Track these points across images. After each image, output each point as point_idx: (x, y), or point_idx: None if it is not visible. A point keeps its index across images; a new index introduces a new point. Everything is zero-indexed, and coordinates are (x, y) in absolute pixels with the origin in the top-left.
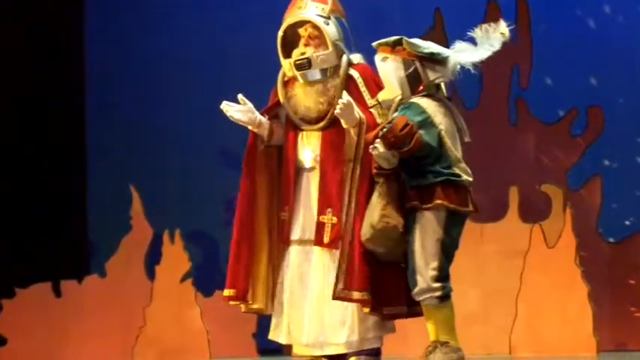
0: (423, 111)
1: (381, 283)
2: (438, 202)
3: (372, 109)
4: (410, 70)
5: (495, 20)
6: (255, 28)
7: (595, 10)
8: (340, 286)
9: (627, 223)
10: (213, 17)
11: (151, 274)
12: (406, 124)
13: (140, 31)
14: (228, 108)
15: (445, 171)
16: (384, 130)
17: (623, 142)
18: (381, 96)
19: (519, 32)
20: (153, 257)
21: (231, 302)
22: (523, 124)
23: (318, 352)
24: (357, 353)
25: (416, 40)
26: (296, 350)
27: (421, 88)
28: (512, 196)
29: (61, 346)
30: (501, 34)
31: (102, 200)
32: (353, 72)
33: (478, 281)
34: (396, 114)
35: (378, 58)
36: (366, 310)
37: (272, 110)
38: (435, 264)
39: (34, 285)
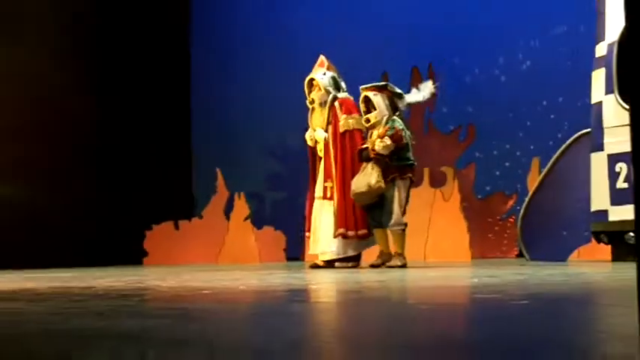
0: (400, 123)
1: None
2: (409, 175)
3: (349, 120)
4: (390, 101)
5: (419, 80)
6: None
7: (473, 70)
8: (341, 228)
9: (487, 188)
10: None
11: (227, 217)
12: (400, 129)
13: (241, 47)
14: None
15: (411, 158)
16: (389, 132)
17: (487, 144)
18: (375, 115)
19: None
20: (229, 207)
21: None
22: (431, 133)
23: (324, 258)
24: (340, 260)
25: (390, 85)
26: (317, 258)
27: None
28: (425, 173)
29: (179, 256)
30: (431, 91)
31: (201, 175)
32: (336, 103)
33: (410, 219)
34: (389, 124)
35: (370, 93)
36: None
37: None
38: (403, 209)
39: (162, 223)
